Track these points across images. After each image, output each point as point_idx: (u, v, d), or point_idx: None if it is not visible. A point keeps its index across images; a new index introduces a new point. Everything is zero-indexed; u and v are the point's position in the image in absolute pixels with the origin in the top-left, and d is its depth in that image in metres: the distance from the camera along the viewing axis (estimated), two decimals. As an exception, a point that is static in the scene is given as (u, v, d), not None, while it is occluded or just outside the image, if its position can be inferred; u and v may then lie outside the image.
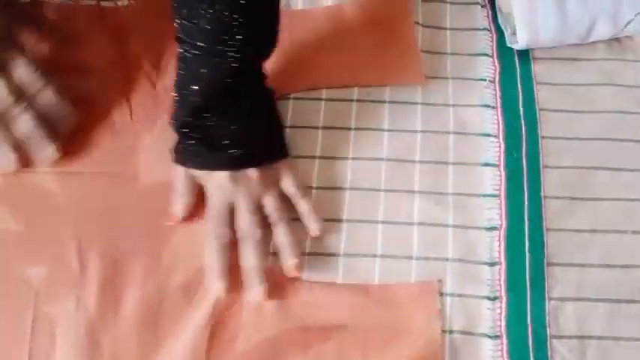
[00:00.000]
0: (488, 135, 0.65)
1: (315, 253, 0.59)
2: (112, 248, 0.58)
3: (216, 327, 0.56)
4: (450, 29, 0.72)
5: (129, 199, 0.61)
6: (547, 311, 0.57)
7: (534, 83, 0.68)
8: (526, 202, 0.61)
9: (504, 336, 0.56)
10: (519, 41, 0.68)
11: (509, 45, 0.70)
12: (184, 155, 0.59)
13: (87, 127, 0.64)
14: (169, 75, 0.66)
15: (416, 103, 0.67)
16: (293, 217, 0.60)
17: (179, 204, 0.59)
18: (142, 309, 0.56)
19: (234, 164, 0.58)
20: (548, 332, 0.56)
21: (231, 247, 0.58)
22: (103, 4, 0.71)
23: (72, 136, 0.63)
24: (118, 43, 0.68)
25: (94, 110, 0.65)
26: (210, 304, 0.56)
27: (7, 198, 0.60)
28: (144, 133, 0.64)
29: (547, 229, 0.60)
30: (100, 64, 0.67)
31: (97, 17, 0.70)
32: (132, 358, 0.55)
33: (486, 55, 0.70)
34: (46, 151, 0.60)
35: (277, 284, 0.57)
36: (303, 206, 0.60)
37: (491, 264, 0.59)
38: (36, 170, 0.61)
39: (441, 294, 0.58)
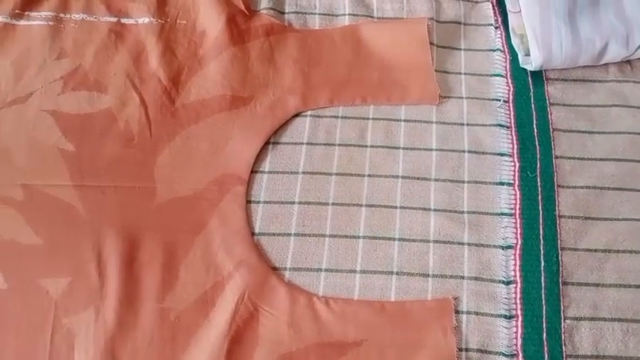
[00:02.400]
0: (503, 154, 0.66)
1: (332, 270, 0.60)
2: (131, 262, 0.59)
3: (233, 342, 0.56)
4: (465, 50, 0.73)
5: (147, 214, 0.61)
6: (563, 330, 0.57)
7: (548, 104, 0.69)
8: (541, 221, 0.62)
9: (520, 355, 0.56)
10: (533, 62, 0.69)
11: (522, 66, 0.71)
12: None
13: (107, 141, 0.65)
14: (188, 92, 0.68)
15: (431, 122, 0.67)
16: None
17: None
18: (160, 322, 0.57)
19: None
20: (563, 351, 0.56)
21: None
22: (123, 21, 0.72)
23: (91, 149, 0.64)
24: (137, 59, 0.69)
25: (114, 125, 0.66)
26: (228, 319, 0.57)
27: (28, 211, 0.61)
28: (162, 149, 0.65)
29: (562, 249, 0.61)
30: (120, 80, 0.68)
31: (118, 34, 0.70)
32: (149, 371, 0.55)
33: (500, 75, 0.71)
34: None
35: (293, 300, 0.57)
36: None
37: (507, 282, 0.59)
38: (56, 184, 0.62)
39: (457, 312, 0.58)
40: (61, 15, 0.72)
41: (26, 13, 0.72)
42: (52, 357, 0.55)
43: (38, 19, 0.71)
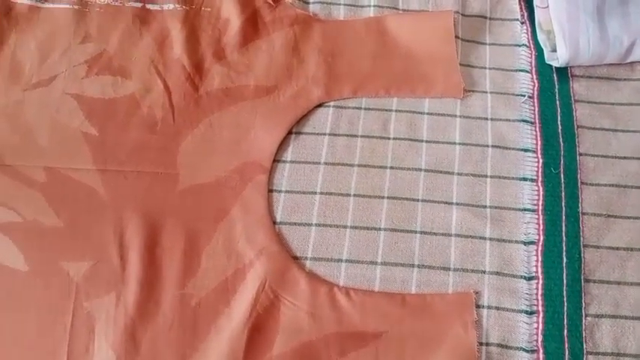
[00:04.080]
0: (527, 150, 0.65)
1: (353, 261, 0.60)
2: (152, 247, 0.59)
3: (254, 330, 0.56)
4: (490, 44, 0.72)
5: (169, 200, 0.61)
6: (583, 327, 0.57)
7: (572, 100, 0.68)
8: (564, 218, 0.62)
9: (541, 351, 0.56)
10: (559, 59, 0.69)
11: (548, 62, 0.70)
12: None
13: (130, 126, 0.65)
14: (212, 80, 0.68)
15: (455, 116, 0.67)
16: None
17: None
18: (181, 308, 0.57)
19: None
20: (584, 348, 0.56)
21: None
22: (148, 6, 0.71)
23: (114, 134, 0.64)
24: (161, 45, 0.69)
25: (138, 110, 0.66)
26: (248, 307, 0.57)
27: (50, 193, 0.61)
28: (185, 135, 0.65)
29: (584, 246, 0.60)
30: (144, 66, 0.68)
31: (142, 19, 0.70)
32: (170, 356, 0.55)
33: (525, 71, 0.70)
34: None
35: (314, 289, 0.57)
36: None
37: (529, 278, 0.59)
38: (79, 168, 0.62)
39: (478, 306, 0.58)
40: (86, -1, 0.72)
41: (51, -5, 0.72)
42: (72, 340, 0.55)
43: (63, 2, 0.71)
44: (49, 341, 0.55)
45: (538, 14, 0.71)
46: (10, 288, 0.57)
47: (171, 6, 0.71)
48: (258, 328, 0.56)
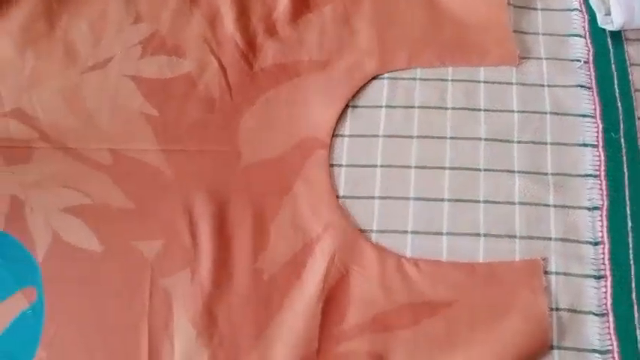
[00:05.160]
0: (585, 115, 0.65)
1: (418, 232, 0.60)
2: (221, 224, 0.60)
3: (326, 303, 0.57)
4: (542, 10, 0.71)
5: (233, 177, 0.62)
6: (651, 289, 0.57)
7: (628, 64, 0.68)
8: (626, 182, 0.62)
9: (611, 314, 0.57)
10: (614, 22, 0.68)
11: (601, 26, 0.70)
12: None
13: (189, 106, 0.65)
14: (265, 56, 0.68)
15: (511, 84, 0.67)
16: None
17: None
18: (254, 283, 0.58)
19: None
20: (653, 310, 0.57)
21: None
22: (197, -15, 0.71)
23: (174, 114, 0.64)
24: (212, 23, 0.69)
25: (195, 89, 0.66)
26: (319, 280, 0.58)
27: (118, 176, 0.62)
28: (243, 113, 0.65)
29: (648, 210, 0.61)
30: (198, 45, 0.68)
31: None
32: (246, 330, 0.56)
33: (579, 35, 0.70)
34: None
35: (382, 261, 0.58)
36: None
37: (595, 243, 0.60)
38: (143, 149, 0.63)
39: (546, 272, 0.58)
40: (135, -23, 0.71)
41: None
42: (151, 317, 0.57)
43: (113, -18, 0.71)
44: (130, 319, 0.56)
45: (592, -23, 0.70)
46: (87, 269, 0.58)
47: (221, -19, 0.71)
48: (331, 301, 0.57)
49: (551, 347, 0.55)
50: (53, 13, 0.69)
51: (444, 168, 0.63)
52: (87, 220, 0.60)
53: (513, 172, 0.63)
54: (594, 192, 0.62)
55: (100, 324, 0.57)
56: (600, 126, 0.65)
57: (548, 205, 0.61)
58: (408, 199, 0.62)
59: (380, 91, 0.67)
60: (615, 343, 0.55)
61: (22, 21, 0.68)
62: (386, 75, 0.67)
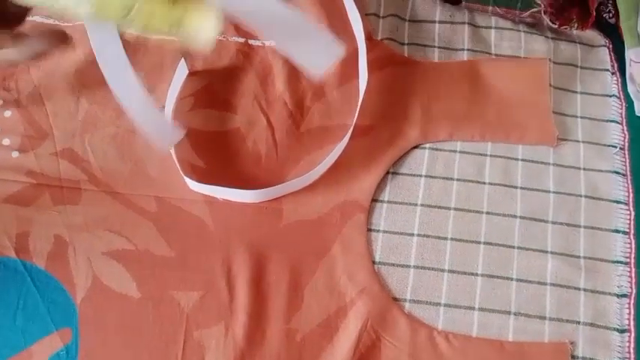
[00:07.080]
0: (619, 202, 0.67)
1: (451, 305, 0.61)
2: (258, 280, 0.61)
3: (358, 367, 0.58)
4: (581, 93, 0.74)
5: (274, 234, 0.63)
6: (676, 382, 0.58)
7: (663, 153, 0.70)
8: (656, 273, 0.63)
9: (636, 404, 0.57)
10: (650, 112, 0.70)
11: (638, 114, 0.72)
12: None
13: (235, 160, 0.67)
14: (312, 118, 0.70)
15: (548, 164, 0.69)
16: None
17: None
18: (286, 343, 0.59)
19: None
20: (679, 403, 0.57)
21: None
22: (250, 42, 0.74)
23: (220, 166, 0.66)
24: (264, 81, 0.71)
25: (242, 145, 0.68)
26: (351, 346, 0.59)
27: (161, 223, 0.63)
28: (289, 171, 0.67)
29: (677, 301, 0.62)
30: (248, 101, 0.70)
31: (245, 54, 0.73)
32: (276, 389, 0.57)
33: (616, 122, 0.72)
34: None
35: (414, 332, 0.59)
36: None
37: (621, 331, 0.61)
38: (188, 198, 0.64)
39: (573, 357, 0.59)
40: (192, 32, 0.74)
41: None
42: (184, 368, 0.58)
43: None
44: (163, 369, 0.57)
45: (632, 67, 0.72)
46: (123, 314, 0.59)
47: (273, 42, 0.73)
48: (362, 366, 0.58)
49: None
50: None
51: (479, 242, 0.64)
52: (127, 265, 0.61)
53: (547, 252, 0.64)
54: (623, 279, 0.63)
55: (133, 371, 0.58)
56: (632, 213, 0.66)
57: (578, 289, 0.62)
58: (443, 270, 0.63)
59: (421, 160, 0.69)
60: None
61: (79, 66, 0.70)
62: (427, 145, 0.69)
